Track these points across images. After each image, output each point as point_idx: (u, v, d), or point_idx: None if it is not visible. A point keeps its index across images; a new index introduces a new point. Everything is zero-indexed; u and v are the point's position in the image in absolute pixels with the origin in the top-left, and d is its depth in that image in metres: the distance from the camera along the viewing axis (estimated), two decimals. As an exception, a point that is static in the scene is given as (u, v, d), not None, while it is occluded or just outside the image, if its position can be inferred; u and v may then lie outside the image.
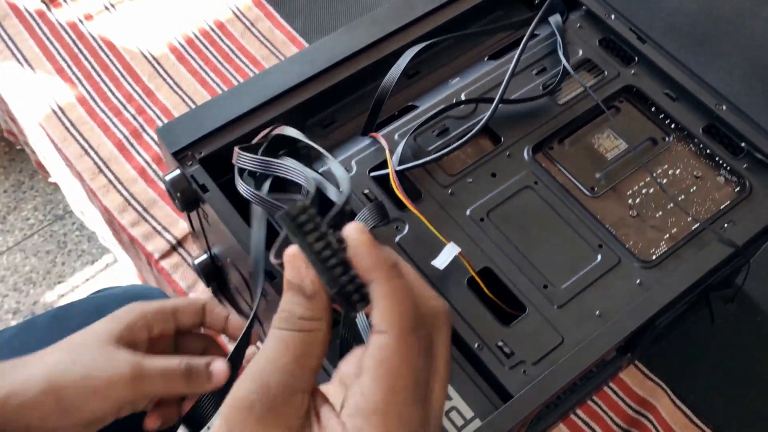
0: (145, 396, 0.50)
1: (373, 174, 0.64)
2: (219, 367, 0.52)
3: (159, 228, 0.81)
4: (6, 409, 0.47)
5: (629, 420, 0.72)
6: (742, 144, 0.67)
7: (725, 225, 0.64)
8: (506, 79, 0.66)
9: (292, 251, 0.35)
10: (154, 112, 0.88)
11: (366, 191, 0.63)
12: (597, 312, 0.59)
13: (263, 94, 0.67)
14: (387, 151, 0.63)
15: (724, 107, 0.68)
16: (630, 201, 0.66)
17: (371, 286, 0.34)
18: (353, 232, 0.34)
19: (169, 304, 0.54)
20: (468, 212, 0.63)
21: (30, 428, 0.47)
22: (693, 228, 0.64)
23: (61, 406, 0.47)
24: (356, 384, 0.33)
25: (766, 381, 0.72)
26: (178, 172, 0.63)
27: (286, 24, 0.96)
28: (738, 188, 0.66)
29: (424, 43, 0.69)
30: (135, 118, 0.88)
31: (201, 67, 0.92)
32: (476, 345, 0.57)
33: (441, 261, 0.59)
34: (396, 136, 0.66)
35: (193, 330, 0.57)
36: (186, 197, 0.63)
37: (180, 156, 0.63)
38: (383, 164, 0.64)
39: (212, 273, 0.75)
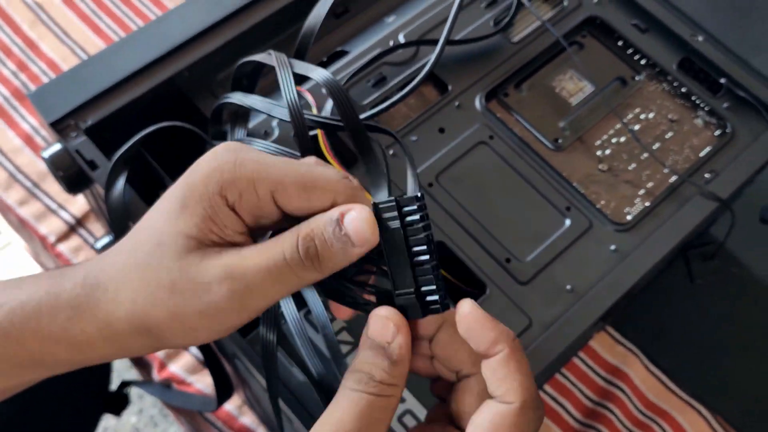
0: (257, 310, 0.34)
1: (299, 137, 0.54)
2: (355, 218, 0.33)
3: (53, 206, 0.69)
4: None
5: (600, 391, 0.66)
6: (722, 80, 0.59)
7: (706, 176, 0.56)
8: (452, 14, 0.56)
9: (384, 313, 0.34)
10: (39, 68, 0.75)
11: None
12: (568, 286, 0.51)
13: (161, 45, 0.56)
14: (314, 108, 0.53)
15: (700, 38, 0.60)
16: (599, 153, 0.57)
17: (497, 359, 0.33)
18: (468, 306, 0.34)
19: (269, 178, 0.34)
20: (414, 177, 0.53)
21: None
22: (671, 181, 0.56)
23: (159, 344, 0.36)
24: None
25: (745, 344, 0.65)
26: (59, 146, 0.52)
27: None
28: (718, 131, 0.58)
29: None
30: (16, 76, 0.74)
31: (93, 11, 0.78)
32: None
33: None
34: (324, 90, 0.56)
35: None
36: (71, 177, 0.52)
37: (60, 126, 0.52)
38: (311, 124, 0.53)
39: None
